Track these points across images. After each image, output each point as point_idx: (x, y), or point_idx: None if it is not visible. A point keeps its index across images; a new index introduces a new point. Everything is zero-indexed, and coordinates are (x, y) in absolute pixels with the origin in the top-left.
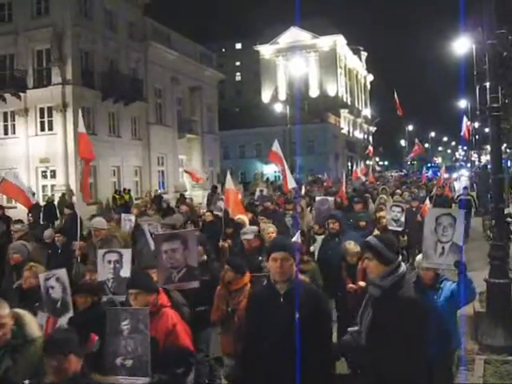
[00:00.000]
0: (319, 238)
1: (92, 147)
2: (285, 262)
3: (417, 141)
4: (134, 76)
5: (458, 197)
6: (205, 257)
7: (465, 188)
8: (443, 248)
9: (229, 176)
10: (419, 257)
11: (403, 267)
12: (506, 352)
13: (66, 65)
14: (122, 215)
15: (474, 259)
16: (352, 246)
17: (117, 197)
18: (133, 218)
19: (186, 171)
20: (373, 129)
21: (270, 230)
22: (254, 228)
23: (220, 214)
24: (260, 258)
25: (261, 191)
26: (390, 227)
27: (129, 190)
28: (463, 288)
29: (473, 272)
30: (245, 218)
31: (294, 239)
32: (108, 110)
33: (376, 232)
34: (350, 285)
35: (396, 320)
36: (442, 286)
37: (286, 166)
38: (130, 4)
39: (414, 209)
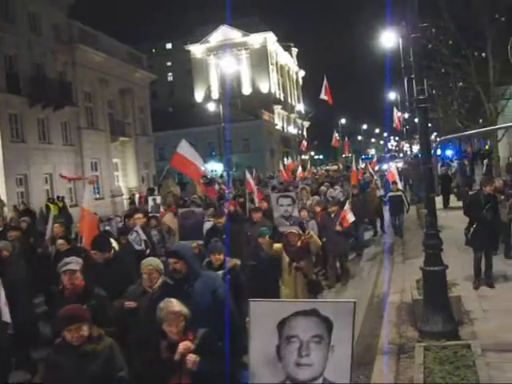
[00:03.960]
0: None
1: None
2: None
3: (336, 135)
4: (62, 80)
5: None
6: None
7: (393, 183)
8: None
9: (87, 191)
10: None
11: None
12: (445, 337)
13: None
14: None
15: (410, 248)
16: (173, 305)
17: (50, 205)
18: None
19: (62, 176)
20: (307, 124)
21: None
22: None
23: None
24: None
25: (153, 200)
26: (282, 228)
27: (62, 198)
28: None
29: (409, 260)
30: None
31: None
32: (37, 116)
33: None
34: None
35: None
36: None
37: (200, 167)
38: (54, 6)
39: (332, 215)
